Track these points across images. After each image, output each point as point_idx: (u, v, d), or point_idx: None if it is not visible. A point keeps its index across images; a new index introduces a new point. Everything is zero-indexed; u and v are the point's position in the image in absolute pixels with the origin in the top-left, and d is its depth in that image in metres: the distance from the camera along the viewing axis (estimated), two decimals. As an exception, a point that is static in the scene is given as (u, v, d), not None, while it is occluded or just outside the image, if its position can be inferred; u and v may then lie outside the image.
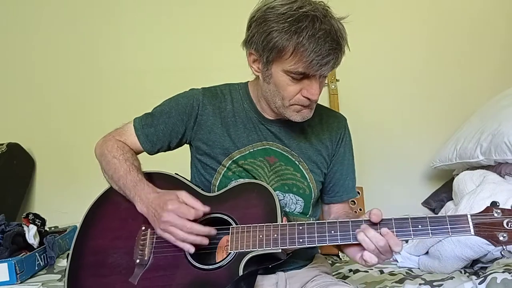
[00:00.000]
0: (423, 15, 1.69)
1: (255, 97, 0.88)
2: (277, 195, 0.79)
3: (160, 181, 0.83)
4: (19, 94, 1.76)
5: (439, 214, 0.72)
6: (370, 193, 1.55)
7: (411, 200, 1.58)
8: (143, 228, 0.79)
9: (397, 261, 1.17)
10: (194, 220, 0.73)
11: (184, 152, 0.95)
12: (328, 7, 0.75)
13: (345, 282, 0.84)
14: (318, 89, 0.77)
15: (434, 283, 0.95)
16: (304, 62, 0.72)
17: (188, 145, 0.93)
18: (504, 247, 0.66)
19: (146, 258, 0.77)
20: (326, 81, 1.64)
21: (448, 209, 1.24)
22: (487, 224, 0.66)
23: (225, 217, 0.78)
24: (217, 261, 0.75)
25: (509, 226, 0.65)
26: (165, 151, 0.91)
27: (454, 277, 0.97)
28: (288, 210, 0.87)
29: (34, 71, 1.76)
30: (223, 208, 0.79)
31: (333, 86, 1.62)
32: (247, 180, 0.84)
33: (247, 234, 0.73)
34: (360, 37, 1.50)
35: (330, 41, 0.71)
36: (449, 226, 0.67)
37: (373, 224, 0.70)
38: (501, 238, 0.65)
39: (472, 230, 0.66)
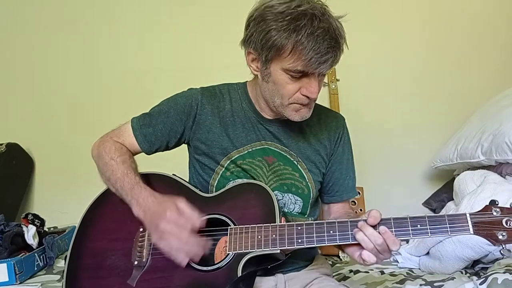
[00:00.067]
0: (423, 15, 1.69)
1: (253, 96, 0.88)
2: (275, 195, 0.79)
3: (158, 183, 0.83)
4: (19, 94, 1.76)
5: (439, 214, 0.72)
6: (370, 193, 1.55)
7: (412, 200, 1.58)
8: (141, 229, 0.79)
9: (398, 262, 1.16)
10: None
11: (182, 152, 0.94)
12: (326, 6, 0.75)
13: (345, 286, 0.84)
14: (317, 87, 0.77)
15: (435, 284, 0.94)
16: (303, 60, 0.72)
17: (186, 145, 0.93)
18: (503, 246, 0.65)
19: (144, 260, 0.76)
20: (326, 81, 1.64)
21: (449, 209, 1.24)
22: (486, 223, 0.66)
23: (223, 218, 0.77)
24: (215, 262, 0.75)
25: (508, 224, 0.65)
26: (163, 151, 0.91)
27: (455, 278, 0.97)
28: (286, 210, 0.87)
29: (34, 71, 1.75)
30: (221, 209, 0.79)
31: (333, 86, 1.62)
32: (245, 181, 0.83)
33: (246, 235, 0.73)
34: (360, 37, 1.51)
35: (328, 39, 0.72)
36: (448, 225, 0.67)
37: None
38: (500, 237, 0.65)
39: (471, 229, 0.66)
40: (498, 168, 1.22)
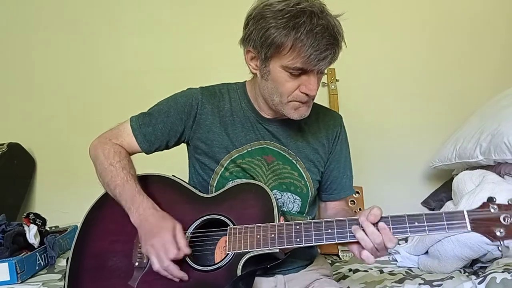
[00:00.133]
0: (423, 15, 1.69)
1: (252, 96, 0.89)
2: (274, 194, 0.80)
3: (157, 184, 0.84)
4: (19, 94, 1.76)
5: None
6: (369, 192, 1.55)
7: (411, 200, 1.58)
8: None
9: (397, 261, 1.17)
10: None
11: (181, 152, 0.95)
12: (324, 4, 0.76)
13: None
14: (316, 85, 0.78)
15: (434, 283, 0.95)
16: (302, 57, 0.73)
17: (185, 145, 0.93)
18: (501, 243, 0.65)
19: (145, 261, 0.77)
20: (325, 81, 1.64)
21: (448, 209, 1.24)
22: (484, 220, 0.66)
23: (223, 218, 0.78)
24: (216, 262, 0.75)
25: (506, 221, 0.65)
26: (162, 150, 0.91)
27: (453, 277, 0.98)
28: (285, 209, 0.87)
29: (34, 71, 1.76)
30: (221, 209, 0.79)
31: (333, 86, 1.62)
32: (244, 181, 0.84)
33: (245, 235, 0.74)
34: (360, 37, 1.51)
35: (327, 36, 0.72)
36: (445, 223, 0.67)
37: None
38: (498, 234, 0.65)
39: (468, 226, 0.66)
40: (496, 168, 1.23)
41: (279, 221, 0.75)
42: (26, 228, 1.24)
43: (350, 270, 1.13)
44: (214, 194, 0.84)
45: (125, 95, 1.71)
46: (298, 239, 0.71)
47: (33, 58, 1.75)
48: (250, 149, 0.86)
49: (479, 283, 0.85)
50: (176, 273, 0.73)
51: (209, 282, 0.73)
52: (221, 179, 0.86)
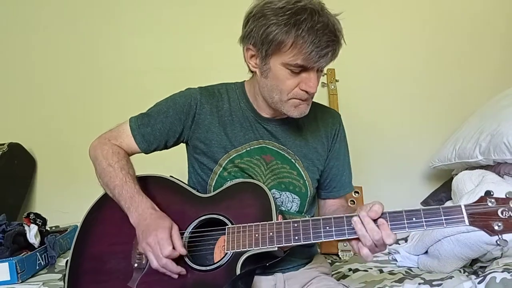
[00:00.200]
0: (423, 15, 1.69)
1: (251, 95, 0.89)
2: (273, 194, 0.80)
3: (155, 185, 0.84)
4: (20, 94, 1.76)
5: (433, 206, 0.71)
6: (369, 193, 1.55)
7: (411, 200, 1.58)
8: None
9: (397, 261, 1.17)
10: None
11: (180, 152, 0.95)
12: (323, 3, 0.77)
13: (344, 285, 0.84)
14: (316, 82, 0.78)
15: (434, 283, 0.95)
16: (303, 54, 0.73)
17: (184, 145, 0.93)
18: (499, 236, 0.64)
19: (144, 262, 0.77)
20: (325, 82, 1.64)
21: (448, 208, 1.24)
22: (482, 214, 0.65)
23: (221, 217, 0.78)
24: (215, 262, 0.75)
25: (503, 215, 0.64)
26: (161, 150, 0.91)
27: (453, 277, 0.98)
28: (284, 209, 0.87)
29: (34, 71, 1.76)
30: (219, 208, 0.79)
31: (332, 87, 1.62)
32: (242, 180, 0.84)
33: (243, 234, 0.74)
34: (360, 37, 1.51)
35: (328, 33, 0.73)
36: (443, 217, 0.66)
37: None
38: (496, 228, 0.64)
39: (466, 221, 0.65)
40: (496, 168, 1.23)
41: (277, 219, 0.75)
42: (26, 228, 1.24)
43: (350, 269, 1.13)
44: (212, 193, 0.84)
45: (125, 95, 1.71)
46: (296, 237, 0.71)
47: (33, 58, 1.75)
48: (248, 149, 0.87)
49: (479, 282, 0.85)
50: (174, 269, 0.73)
51: (208, 281, 0.73)
52: (219, 179, 0.86)
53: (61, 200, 1.67)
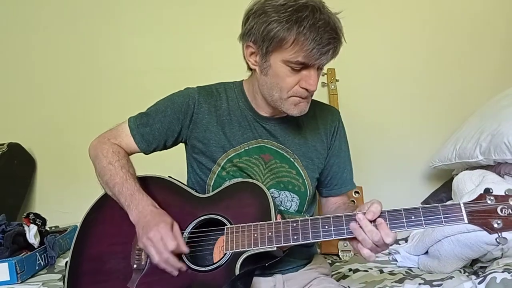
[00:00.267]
0: (423, 15, 1.69)
1: (250, 95, 0.89)
2: (272, 193, 0.79)
3: (154, 185, 0.84)
4: (19, 94, 1.76)
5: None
6: (369, 192, 1.55)
7: (411, 200, 1.57)
8: None
9: (397, 261, 1.17)
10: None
11: (179, 152, 0.95)
12: (323, 1, 0.77)
13: (344, 287, 0.84)
14: (316, 80, 0.78)
15: (434, 283, 0.95)
16: (304, 51, 0.73)
17: (183, 145, 0.93)
18: (499, 234, 0.64)
19: (143, 263, 0.77)
20: (325, 82, 1.64)
21: (448, 209, 1.24)
22: (481, 212, 0.65)
23: (220, 217, 0.78)
24: (214, 262, 0.75)
25: (503, 212, 0.64)
26: (160, 150, 0.91)
27: (453, 277, 0.98)
28: (283, 208, 0.87)
29: (34, 71, 1.76)
30: (217, 208, 0.79)
31: (332, 86, 1.62)
32: (240, 180, 0.84)
33: (242, 234, 0.74)
34: (360, 37, 1.51)
35: (329, 30, 0.73)
36: (442, 216, 0.66)
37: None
38: (495, 225, 0.64)
39: (465, 219, 0.65)
40: (496, 168, 1.23)
41: (276, 219, 0.75)
42: (26, 228, 1.24)
43: (350, 270, 1.13)
44: (210, 194, 0.84)
45: (125, 95, 1.71)
46: (295, 237, 0.71)
47: (33, 58, 1.75)
48: (247, 148, 0.86)
49: (479, 283, 0.85)
50: (176, 264, 0.72)
51: (208, 282, 0.73)
52: (218, 178, 0.86)
53: (61, 200, 1.67)
